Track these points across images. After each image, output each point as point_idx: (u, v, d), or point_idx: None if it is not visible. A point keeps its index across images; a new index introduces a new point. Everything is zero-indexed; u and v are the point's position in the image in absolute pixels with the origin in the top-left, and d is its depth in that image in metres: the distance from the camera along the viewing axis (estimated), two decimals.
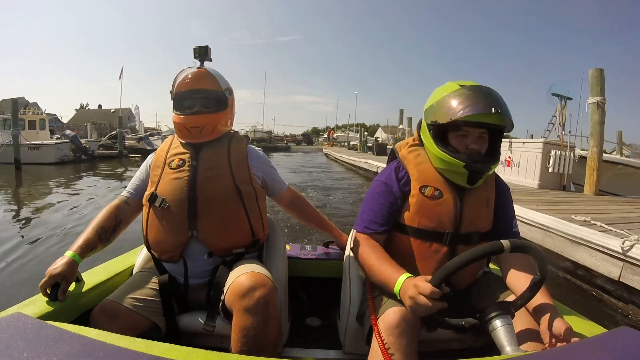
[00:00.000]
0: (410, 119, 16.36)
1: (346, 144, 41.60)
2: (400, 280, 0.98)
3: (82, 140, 16.30)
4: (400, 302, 0.99)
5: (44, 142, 14.33)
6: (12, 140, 12.06)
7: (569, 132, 7.13)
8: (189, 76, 1.32)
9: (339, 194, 8.58)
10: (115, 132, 19.81)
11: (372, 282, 1.19)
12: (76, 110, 56.21)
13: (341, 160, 19.41)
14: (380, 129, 59.74)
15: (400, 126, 17.32)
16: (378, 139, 32.04)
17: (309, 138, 63.48)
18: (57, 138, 15.67)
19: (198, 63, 1.41)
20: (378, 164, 12.04)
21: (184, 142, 1.36)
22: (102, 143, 18.57)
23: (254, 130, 39.86)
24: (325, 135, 59.11)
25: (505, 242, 0.88)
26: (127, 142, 19.73)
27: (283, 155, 26.72)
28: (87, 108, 58.07)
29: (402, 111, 17.71)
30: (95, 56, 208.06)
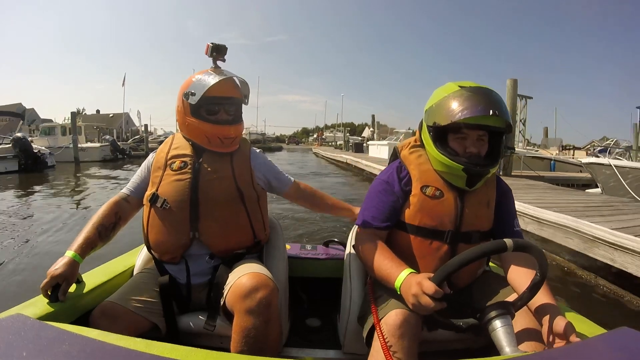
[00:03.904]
0: (378, 123, 21.14)
1: (333, 143, 45.42)
2: (402, 276, 0.99)
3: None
4: (401, 298, 0.99)
5: (90, 144, 18.10)
6: (71, 144, 16.04)
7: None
8: (220, 82, 1.25)
9: (325, 172, 14.46)
10: (137, 136, 23.81)
11: (373, 282, 1.20)
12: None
13: (326, 157, 23.70)
14: (366, 128, 64.15)
15: (371, 129, 21.90)
16: (364, 138, 36.30)
17: (296, 139, 74.47)
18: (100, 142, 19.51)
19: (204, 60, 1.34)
20: (348, 157, 16.94)
21: (201, 146, 1.31)
22: (130, 145, 22.32)
23: (249, 132, 43.93)
24: (315, 136, 63.40)
25: (508, 241, 0.89)
26: (149, 145, 23.37)
27: (280, 154, 31.25)
28: (83, 113, 60.12)
29: (373, 116, 22.96)
30: (83, 59, 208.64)
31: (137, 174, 1.38)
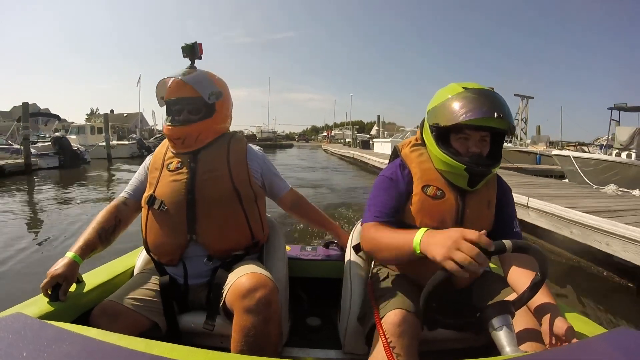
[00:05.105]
0: (383, 122, 22.81)
1: (342, 141, 46.93)
2: (419, 234, 0.94)
3: None
4: (401, 297, 1.03)
5: (119, 142, 19.99)
6: (102, 142, 17.89)
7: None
8: (166, 86, 1.31)
9: (333, 166, 16.22)
10: (159, 134, 25.72)
11: (373, 282, 1.22)
12: (87, 115, 57.46)
13: (335, 154, 25.49)
14: (374, 127, 65.81)
15: (376, 127, 23.50)
16: (372, 136, 37.90)
17: (306, 137, 77.50)
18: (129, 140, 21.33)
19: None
20: (354, 152, 18.75)
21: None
22: (154, 144, 23.93)
23: (261, 131, 45.96)
24: (325, 134, 65.16)
25: (507, 242, 0.88)
26: None
27: (291, 151, 33.16)
28: (97, 112, 59.16)
29: (379, 116, 24.96)
30: (88, 59, 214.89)
31: (135, 177, 1.40)
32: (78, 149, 15.27)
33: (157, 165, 1.33)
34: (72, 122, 22.38)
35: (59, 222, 5.45)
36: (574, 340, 0.85)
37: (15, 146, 13.94)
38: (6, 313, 0.88)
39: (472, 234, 0.85)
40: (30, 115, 13.85)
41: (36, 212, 6.48)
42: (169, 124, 1.30)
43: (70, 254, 1.18)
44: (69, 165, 14.29)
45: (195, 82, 1.27)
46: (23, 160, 11.74)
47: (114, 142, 19.45)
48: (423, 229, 0.96)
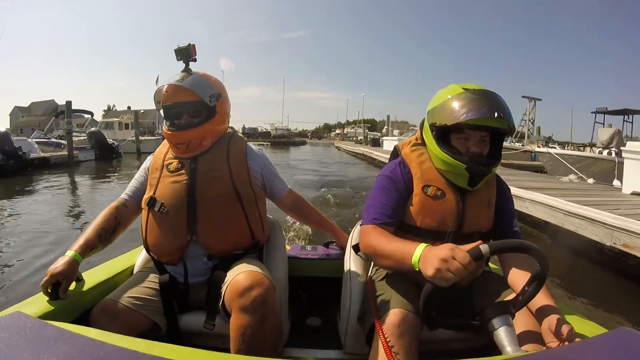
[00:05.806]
0: (395, 121, 24.49)
1: (354, 138, 48.23)
2: (419, 249, 0.95)
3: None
4: (400, 297, 1.03)
5: (146, 137, 21.38)
6: (133, 137, 19.40)
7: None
8: (164, 91, 1.28)
9: (345, 161, 17.71)
10: None
11: (372, 282, 1.23)
12: (104, 111, 59.35)
13: (347, 151, 26.85)
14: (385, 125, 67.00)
15: (385, 127, 24.89)
16: (382, 134, 39.13)
17: (318, 134, 78.99)
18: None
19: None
20: (364, 149, 20.19)
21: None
22: None
23: (275, 128, 47.72)
24: (337, 131, 66.51)
25: (483, 247, 0.86)
26: None
27: (304, 148, 34.75)
28: (113, 109, 61.39)
29: (388, 117, 27.14)
30: (100, 56, 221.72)
31: (135, 178, 1.40)
32: (113, 143, 16.71)
33: (157, 165, 1.33)
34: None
35: None
36: (577, 340, 0.85)
37: (54, 139, 15.46)
38: (5, 312, 0.87)
39: (463, 257, 0.85)
40: (73, 112, 15.38)
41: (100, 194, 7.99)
42: (169, 128, 1.30)
43: (70, 253, 1.18)
44: (105, 158, 15.56)
45: (195, 86, 1.27)
46: (66, 153, 13.22)
47: (142, 137, 20.76)
48: (422, 245, 0.95)
